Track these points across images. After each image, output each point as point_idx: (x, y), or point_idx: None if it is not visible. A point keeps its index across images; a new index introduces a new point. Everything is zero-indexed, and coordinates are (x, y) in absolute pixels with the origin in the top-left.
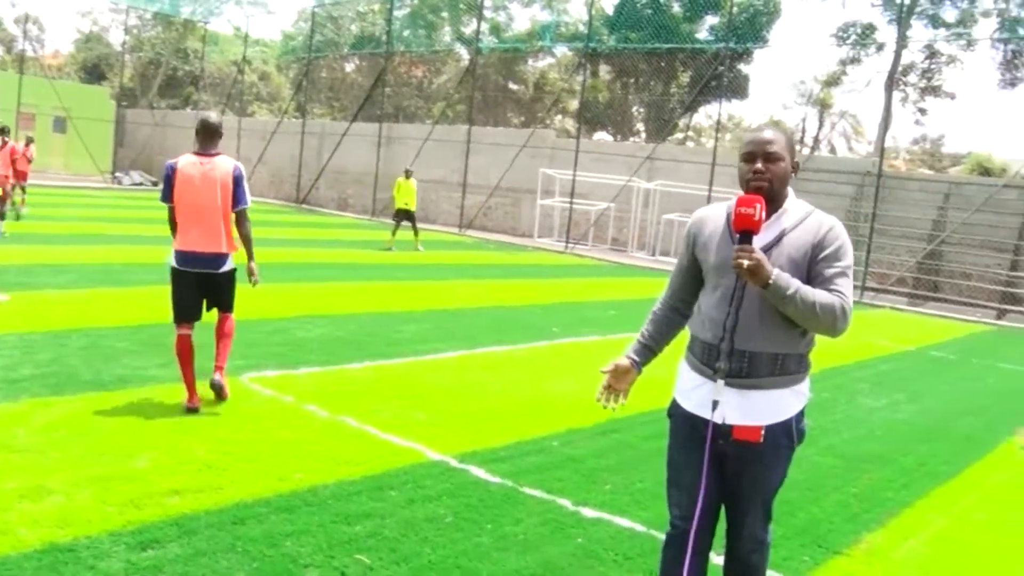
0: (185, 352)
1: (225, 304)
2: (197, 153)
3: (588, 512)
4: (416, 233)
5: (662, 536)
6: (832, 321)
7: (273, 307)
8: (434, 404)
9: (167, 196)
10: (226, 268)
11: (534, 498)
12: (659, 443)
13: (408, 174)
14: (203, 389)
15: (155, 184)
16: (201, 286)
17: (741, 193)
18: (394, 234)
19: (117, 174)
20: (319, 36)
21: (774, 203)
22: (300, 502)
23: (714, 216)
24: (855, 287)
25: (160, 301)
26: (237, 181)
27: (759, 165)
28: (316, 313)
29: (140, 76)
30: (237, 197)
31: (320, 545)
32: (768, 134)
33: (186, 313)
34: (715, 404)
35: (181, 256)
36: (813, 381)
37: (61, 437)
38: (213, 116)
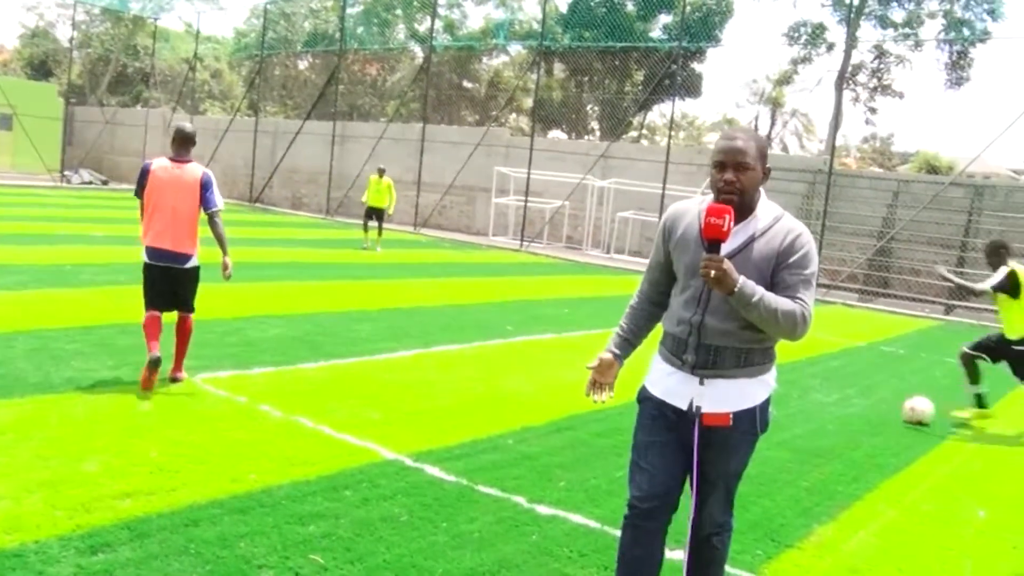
0: (153, 325)
1: (186, 299)
2: (171, 159)
3: (543, 509)
4: (380, 233)
5: (617, 532)
6: (792, 328)
7: (227, 307)
8: (389, 403)
9: (140, 192)
10: (190, 265)
11: (489, 496)
12: (613, 440)
13: (381, 172)
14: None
15: (105, 183)
16: (167, 279)
17: (697, 191)
18: (366, 231)
19: (66, 173)
20: (272, 33)
21: (744, 210)
22: (254, 503)
23: (688, 214)
24: None
25: (111, 302)
26: (205, 186)
27: (729, 175)
28: (270, 313)
29: (89, 73)
30: (206, 201)
31: (274, 546)
32: (739, 143)
33: (155, 302)
34: (698, 408)
35: (150, 251)
36: None
37: (8, 441)
38: (188, 126)
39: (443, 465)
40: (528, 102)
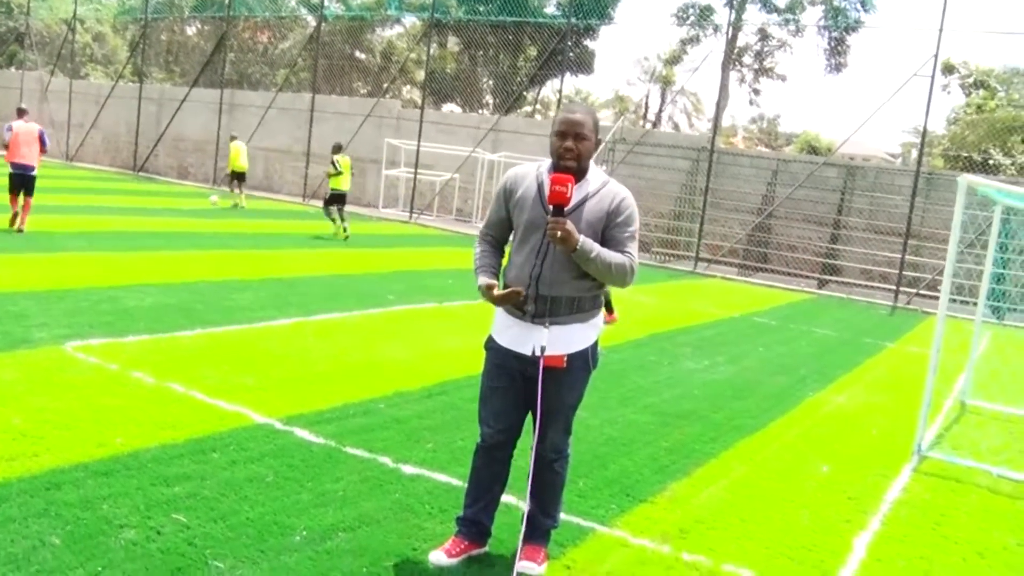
0: (14, 200)
1: (31, 190)
2: (23, 120)
3: (408, 469)
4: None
5: None
6: (623, 277)
7: (102, 276)
8: (264, 370)
9: (9, 137)
10: (35, 172)
11: (356, 457)
12: None
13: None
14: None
15: None
16: (23, 180)
17: (548, 161)
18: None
19: None
20: None
21: (579, 174)
22: (119, 466)
23: (528, 177)
24: (689, 258)
25: None
26: (41, 133)
27: (569, 143)
28: (148, 282)
29: None
30: (43, 142)
31: (137, 506)
32: (579, 116)
33: (16, 191)
34: (543, 349)
35: (16, 166)
36: (639, 346)
37: None
38: (23, 106)
39: (313, 428)
40: (421, 74)
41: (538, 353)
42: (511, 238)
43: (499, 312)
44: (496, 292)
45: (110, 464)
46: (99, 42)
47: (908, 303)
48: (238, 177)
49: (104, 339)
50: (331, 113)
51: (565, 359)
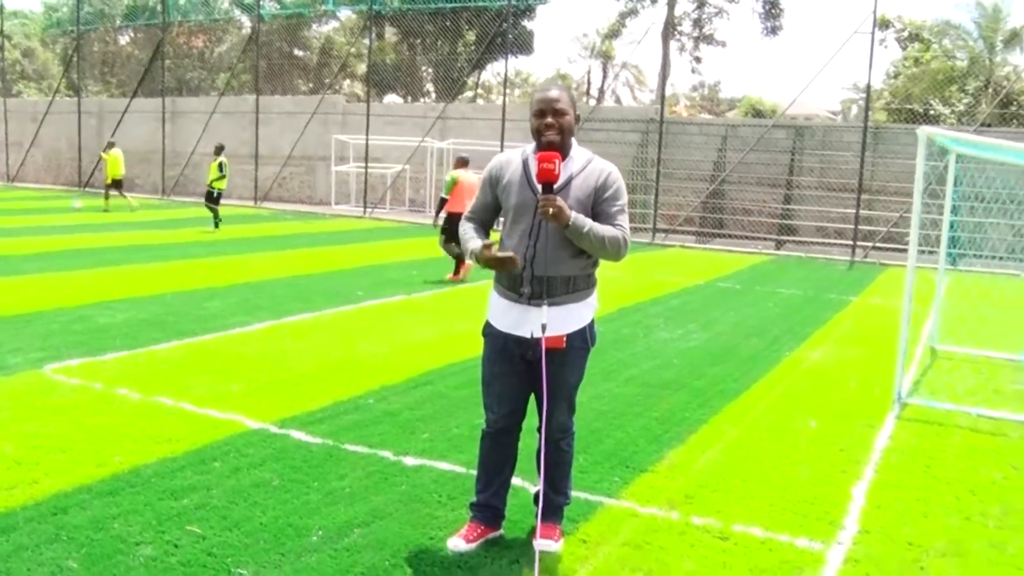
0: None
1: None
2: None
3: (409, 460)
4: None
5: None
6: (617, 250)
7: (70, 295)
8: (247, 375)
9: None
10: None
11: (356, 453)
12: (471, 390)
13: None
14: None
15: None
16: None
17: (532, 144)
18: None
19: None
20: (87, 7)
21: (562, 151)
22: (123, 484)
23: (512, 162)
24: (646, 229)
25: None
26: None
27: (549, 119)
28: (116, 298)
29: None
30: None
31: (149, 522)
32: (555, 93)
33: None
34: (544, 328)
35: None
36: (612, 320)
37: None
38: None
39: (308, 429)
40: (362, 68)
41: (537, 334)
42: (502, 224)
43: (495, 296)
44: (495, 251)
45: (113, 483)
46: (29, 58)
47: (865, 257)
48: (117, 185)
49: (82, 359)
50: (276, 113)
51: (565, 339)
